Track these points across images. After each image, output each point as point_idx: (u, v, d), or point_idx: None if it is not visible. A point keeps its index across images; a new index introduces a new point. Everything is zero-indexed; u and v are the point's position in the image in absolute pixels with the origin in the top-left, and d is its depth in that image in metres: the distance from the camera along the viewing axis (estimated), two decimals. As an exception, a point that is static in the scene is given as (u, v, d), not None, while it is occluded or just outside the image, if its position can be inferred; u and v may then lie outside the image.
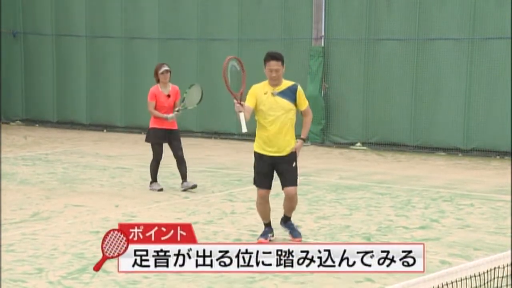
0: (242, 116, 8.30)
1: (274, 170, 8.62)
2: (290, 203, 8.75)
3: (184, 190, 11.89)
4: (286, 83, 8.57)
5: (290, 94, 8.50)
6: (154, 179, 12.08)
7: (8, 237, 8.85)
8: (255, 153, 8.64)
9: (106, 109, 20.51)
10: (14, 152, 16.12)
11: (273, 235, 8.84)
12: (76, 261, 7.91)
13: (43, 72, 21.28)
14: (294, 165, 8.59)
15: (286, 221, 8.94)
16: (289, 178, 8.58)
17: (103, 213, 10.34)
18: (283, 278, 7.37)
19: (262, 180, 8.57)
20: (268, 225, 8.79)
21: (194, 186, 11.95)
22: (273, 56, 8.49)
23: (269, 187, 8.62)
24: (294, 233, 8.90)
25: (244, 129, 8.32)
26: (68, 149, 16.86)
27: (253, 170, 8.77)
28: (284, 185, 8.64)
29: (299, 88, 8.60)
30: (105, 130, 20.46)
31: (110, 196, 11.59)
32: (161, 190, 11.96)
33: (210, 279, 7.31)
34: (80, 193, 11.74)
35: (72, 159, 15.25)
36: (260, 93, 8.48)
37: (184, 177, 12.04)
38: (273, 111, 8.43)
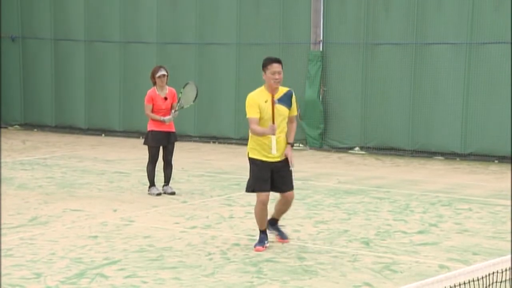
0: (274, 138, 8.34)
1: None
2: (287, 207, 8.84)
3: (159, 194, 11.92)
4: (282, 89, 8.59)
5: (286, 100, 8.55)
6: (152, 183, 12.09)
7: (6, 241, 8.84)
8: (255, 160, 8.54)
9: (104, 114, 20.51)
10: (12, 157, 16.10)
11: (268, 242, 8.81)
12: (74, 266, 7.89)
13: (42, 76, 21.28)
14: (290, 169, 8.63)
15: (274, 223, 9.02)
16: (289, 182, 8.63)
17: (102, 217, 10.33)
18: (281, 283, 7.36)
19: (262, 185, 8.50)
20: (264, 231, 8.73)
21: (173, 193, 11.99)
22: (275, 59, 8.50)
23: (269, 191, 8.58)
24: (283, 235, 9.04)
25: (274, 151, 8.35)
26: (67, 154, 16.85)
27: (250, 177, 8.67)
28: (284, 189, 8.62)
29: (294, 94, 8.67)
30: (103, 135, 20.46)
31: (108, 200, 11.57)
32: (159, 194, 11.95)
33: (209, 284, 7.30)
34: (78, 198, 11.73)
35: (70, 164, 15.24)
36: (261, 102, 8.42)
37: (167, 180, 12.14)
38: (275, 120, 8.40)
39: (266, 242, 8.72)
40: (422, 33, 16.68)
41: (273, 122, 8.37)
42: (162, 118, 11.85)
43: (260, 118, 8.42)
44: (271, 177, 8.55)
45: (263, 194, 8.52)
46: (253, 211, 9.11)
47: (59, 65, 21.05)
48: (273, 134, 8.34)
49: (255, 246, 8.64)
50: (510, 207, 11.11)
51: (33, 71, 21.42)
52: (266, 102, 8.42)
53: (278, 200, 8.89)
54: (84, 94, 20.75)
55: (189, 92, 12.12)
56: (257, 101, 8.42)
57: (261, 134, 8.38)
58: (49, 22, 21.04)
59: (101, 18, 20.33)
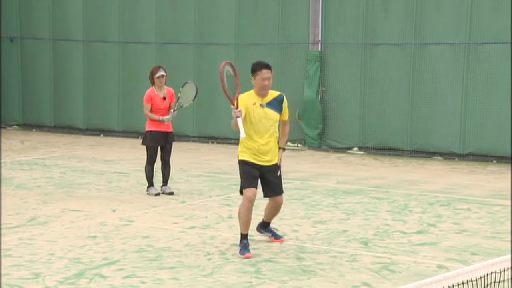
0: (240, 121, 8.24)
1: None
2: (277, 211, 8.90)
3: (157, 194, 11.92)
4: (272, 94, 8.56)
5: (276, 105, 8.52)
6: (150, 183, 12.09)
7: (5, 241, 8.84)
8: (245, 161, 8.51)
9: (103, 114, 20.50)
10: (11, 157, 16.09)
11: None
12: (73, 266, 7.89)
13: (40, 76, 21.27)
14: (279, 174, 8.66)
15: (266, 226, 9.09)
16: (279, 187, 8.66)
17: (100, 217, 10.33)
18: (280, 283, 7.37)
19: (251, 181, 8.47)
20: (247, 236, 8.52)
21: (171, 193, 11.99)
22: (264, 65, 8.45)
23: (256, 188, 8.52)
24: (276, 235, 9.08)
25: (243, 134, 8.30)
26: (65, 154, 16.84)
27: (240, 177, 8.61)
28: (274, 193, 8.66)
29: (285, 98, 8.63)
30: (102, 135, 20.45)
31: (107, 200, 11.57)
32: (158, 194, 11.95)
33: (208, 284, 7.31)
34: (77, 198, 11.73)
35: (69, 164, 15.24)
36: (249, 104, 8.42)
37: (165, 181, 12.13)
38: (262, 123, 8.43)
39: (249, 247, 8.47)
40: (420, 33, 16.68)
41: (236, 107, 8.24)
42: (161, 118, 11.86)
43: (247, 121, 8.39)
44: (260, 181, 8.55)
45: (250, 190, 8.42)
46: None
47: (57, 65, 21.03)
48: (237, 116, 8.20)
49: (242, 254, 8.33)
50: (509, 207, 11.11)
51: (32, 71, 21.40)
52: (254, 104, 8.42)
53: (267, 204, 8.91)
54: (83, 94, 20.74)
55: (189, 91, 12.12)
56: (245, 103, 8.41)
57: (234, 124, 8.26)
58: (47, 22, 21.02)
59: (100, 18, 20.33)
